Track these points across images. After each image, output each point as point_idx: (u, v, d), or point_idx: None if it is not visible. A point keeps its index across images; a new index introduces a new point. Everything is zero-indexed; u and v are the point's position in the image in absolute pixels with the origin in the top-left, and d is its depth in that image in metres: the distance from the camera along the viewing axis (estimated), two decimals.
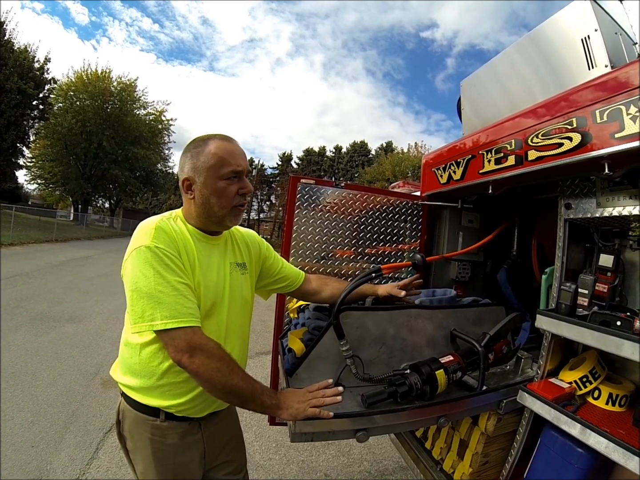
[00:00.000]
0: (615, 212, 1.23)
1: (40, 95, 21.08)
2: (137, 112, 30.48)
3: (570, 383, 1.31)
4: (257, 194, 42.94)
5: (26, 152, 24.08)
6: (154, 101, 32.61)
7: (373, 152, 40.05)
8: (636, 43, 1.53)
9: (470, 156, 1.71)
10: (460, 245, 2.19)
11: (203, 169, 1.10)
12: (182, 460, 1.16)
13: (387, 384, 1.25)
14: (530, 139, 1.37)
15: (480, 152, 1.64)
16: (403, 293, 1.46)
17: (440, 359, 1.29)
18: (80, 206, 30.84)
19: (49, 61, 21.33)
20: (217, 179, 1.10)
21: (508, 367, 1.63)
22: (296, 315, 1.77)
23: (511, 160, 1.46)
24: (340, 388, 1.18)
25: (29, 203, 38.63)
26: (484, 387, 1.35)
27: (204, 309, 1.10)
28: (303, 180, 2.06)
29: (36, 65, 20.53)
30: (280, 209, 36.06)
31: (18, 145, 20.99)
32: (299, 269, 1.55)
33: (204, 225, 1.17)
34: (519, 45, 1.79)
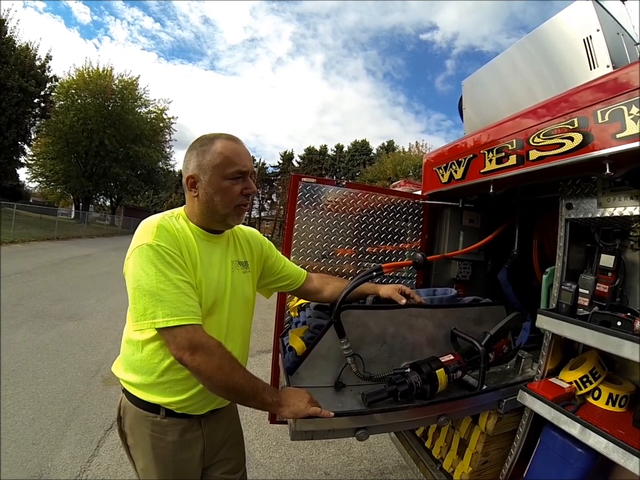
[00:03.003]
0: (616, 212, 1.24)
1: (42, 93, 21.07)
2: (139, 110, 30.47)
3: (570, 383, 1.31)
4: (259, 192, 42.88)
5: (27, 149, 24.12)
6: (155, 99, 32.55)
7: (374, 151, 39.97)
8: (638, 43, 1.53)
9: (471, 155, 1.71)
10: (461, 244, 2.19)
11: (209, 168, 1.11)
12: (182, 457, 1.16)
13: (387, 383, 1.25)
14: (531, 138, 1.37)
15: (481, 151, 1.64)
16: (404, 301, 1.46)
17: (440, 358, 1.29)
18: (81, 204, 30.88)
19: (50, 59, 21.34)
20: (222, 178, 1.11)
21: (508, 367, 1.63)
22: (297, 314, 1.78)
23: (512, 159, 1.46)
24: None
25: (30, 201, 38.59)
26: (484, 387, 1.35)
27: (205, 307, 1.10)
28: (304, 179, 2.06)
29: (37, 63, 20.52)
30: (282, 207, 36.10)
31: (19, 143, 20.96)
32: (300, 267, 1.55)
33: (207, 223, 1.18)
34: (521, 45, 1.79)
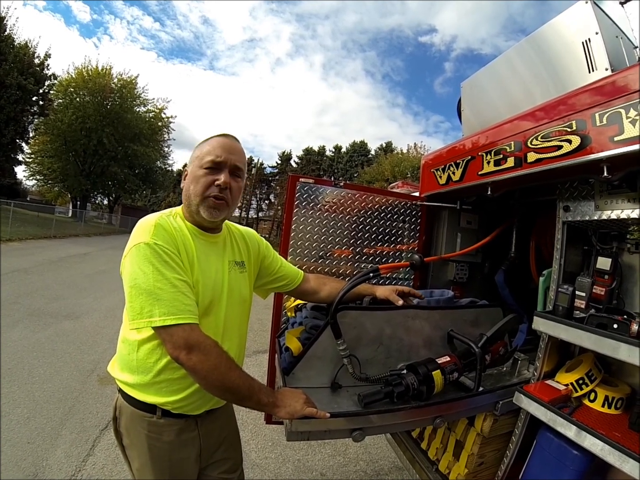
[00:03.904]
0: (613, 215, 1.24)
1: (40, 91, 20.97)
2: (137, 110, 30.36)
3: (566, 385, 1.31)
4: (256, 192, 42.86)
5: (25, 147, 23.94)
6: (154, 99, 32.34)
7: (372, 152, 39.97)
8: (637, 46, 1.54)
9: (469, 157, 1.71)
10: (459, 246, 2.19)
11: (193, 159, 1.17)
12: (178, 457, 1.16)
13: (383, 384, 1.25)
14: (529, 141, 1.37)
15: (479, 153, 1.64)
16: (400, 302, 1.46)
17: (437, 360, 1.29)
18: (79, 203, 30.75)
19: (49, 57, 21.23)
20: (199, 167, 1.14)
21: (505, 369, 1.63)
22: (293, 314, 1.77)
23: (510, 162, 1.46)
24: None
25: (28, 199, 38.37)
26: (481, 388, 1.36)
27: (202, 307, 1.10)
28: (302, 180, 2.06)
29: (36, 61, 20.43)
30: (279, 208, 36.06)
31: (17, 141, 20.86)
32: (297, 268, 1.54)
33: (189, 215, 1.18)
34: (520, 48, 1.79)
